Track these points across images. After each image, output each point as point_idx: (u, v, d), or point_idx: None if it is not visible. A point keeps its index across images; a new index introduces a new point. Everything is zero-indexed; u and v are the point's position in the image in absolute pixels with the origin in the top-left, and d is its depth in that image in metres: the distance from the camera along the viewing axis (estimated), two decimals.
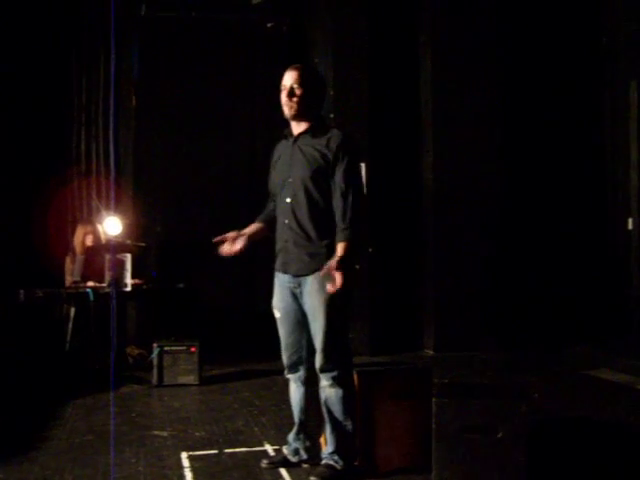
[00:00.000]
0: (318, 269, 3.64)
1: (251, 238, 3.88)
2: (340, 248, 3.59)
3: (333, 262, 3.54)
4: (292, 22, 8.16)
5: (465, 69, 7.72)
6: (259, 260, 7.63)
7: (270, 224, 3.95)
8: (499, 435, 3.35)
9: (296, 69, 3.76)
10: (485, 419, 3.37)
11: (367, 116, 7.51)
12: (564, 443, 4.46)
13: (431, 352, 7.58)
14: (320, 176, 3.69)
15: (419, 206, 7.88)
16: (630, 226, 7.80)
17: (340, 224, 3.64)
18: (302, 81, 3.72)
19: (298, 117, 3.76)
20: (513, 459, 3.34)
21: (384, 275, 7.61)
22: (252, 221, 4.05)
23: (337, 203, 3.66)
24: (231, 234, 3.85)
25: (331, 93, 7.45)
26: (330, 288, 3.55)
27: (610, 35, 8.32)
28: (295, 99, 3.71)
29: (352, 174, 3.69)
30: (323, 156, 3.68)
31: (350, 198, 3.64)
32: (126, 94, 7.70)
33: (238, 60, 8.08)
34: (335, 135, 3.72)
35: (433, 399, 3.46)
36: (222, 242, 3.83)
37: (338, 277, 3.51)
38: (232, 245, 3.83)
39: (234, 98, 8.06)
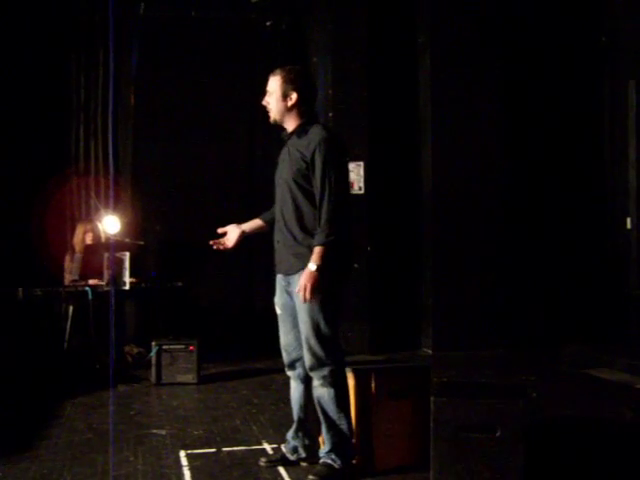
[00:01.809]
0: (302, 268, 3.66)
1: (248, 234, 4.00)
2: (316, 252, 3.58)
3: (303, 276, 3.57)
4: (291, 21, 8.16)
5: (464, 69, 7.72)
6: (257, 259, 7.68)
7: (270, 223, 4.01)
8: (497, 434, 3.35)
9: (271, 75, 3.83)
10: (483, 418, 3.37)
11: (366, 115, 7.52)
12: (563, 442, 4.46)
13: (430, 351, 7.59)
14: (302, 177, 3.70)
15: (418, 205, 7.88)
16: (629, 225, 7.80)
17: (317, 227, 3.64)
18: (275, 87, 3.78)
19: (278, 121, 3.82)
20: (511, 458, 3.34)
21: (383, 274, 7.61)
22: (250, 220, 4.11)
23: (317, 203, 3.66)
24: (230, 227, 3.97)
25: (330, 92, 7.47)
26: (301, 297, 3.58)
27: (609, 35, 8.32)
28: (268, 106, 3.82)
29: (328, 175, 3.62)
30: (302, 156, 3.69)
31: (326, 200, 3.61)
32: (125, 93, 7.70)
33: (237, 59, 8.08)
34: (314, 134, 3.70)
35: (431, 398, 3.46)
36: (223, 234, 3.93)
37: (309, 287, 3.54)
38: (225, 240, 3.94)
39: (233, 97, 8.05)
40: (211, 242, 3.92)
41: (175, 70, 7.87)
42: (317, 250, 3.58)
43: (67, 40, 7.50)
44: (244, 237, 3.99)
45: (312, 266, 3.57)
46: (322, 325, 3.67)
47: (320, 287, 3.57)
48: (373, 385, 3.86)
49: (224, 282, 7.79)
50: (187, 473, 3.86)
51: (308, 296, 3.56)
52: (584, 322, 7.80)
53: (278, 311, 3.93)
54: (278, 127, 3.89)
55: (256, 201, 7.49)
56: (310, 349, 3.68)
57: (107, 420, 4.90)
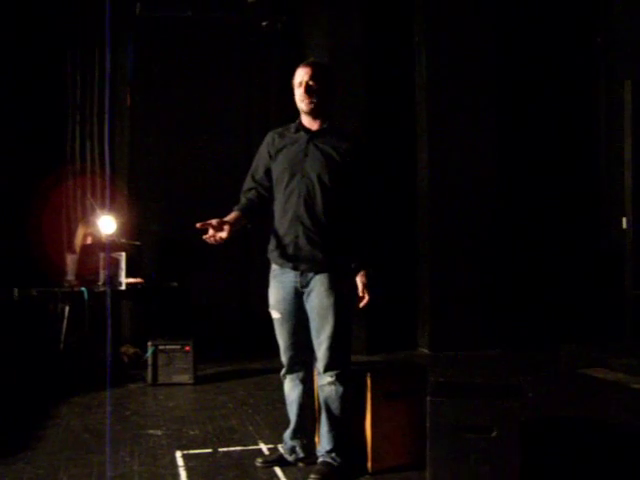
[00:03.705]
0: (330, 267, 3.67)
1: (233, 227, 3.66)
2: (367, 255, 3.75)
3: (364, 279, 3.73)
4: (287, 21, 8.14)
5: (460, 68, 7.73)
6: (253, 258, 7.68)
7: (249, 214, 3.82)
8: (493, 434, 3.35)
9: (312, 65, 3.75)
10: (480, 418, 3.38)
11: (362, 115, 7.51)
12: (559, 442, 4.46)
13: (426, 351, 7.59)
14: (337, 176, 3.69)
15: (415, 205, 7.89)
16: (624, 225, 7.80)
17: (367, 232, 3.77)
18: (319, 76, 3.71)
19: (315, 113, 3.73)
20: (507, 458, 3.34)
21: (380, 274, 7.59)
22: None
23: (362, 209, 3.76)
24: (214, 221, 3.61)
25: None
26: (364, 303, 3.75)
27: (605, 35, 8.34)
28: (314, 94, 3.69)
29: (370, 179, 3.81)
30: (342, 158, 3.70)
31: (373, 204, 3.78)
32: (121, 93, 7.68)
33: (233, 59, 8.06)
34: (354, 140, 3.79)
35: (428, 398, 3.46)
36: (205, 229, 3.61)
37: (368, 289, 3.73)
38: (217, 232, 3.60)
39: (229, 97, 8.04)
40: (205, 237, 3.60)
41: (171, 70, 7.86)
42: (369, 255, 3.75)
43: (63, 40, 7.48)
44: (233, 231, 3.66)
45: (367, 270, 3.73)
46: (346, 325, 3.74)
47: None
48: (370, 385, 3.86)
49: (220, 282, 7.78)
50: (183, 473, 3.85)
51: (369, 299, 3.72)
52: (580, 322, 7.81)
53: (276, 315, 3.80)
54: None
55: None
56: (330, 349, 3.67)
57: (103, 420, 4.90)
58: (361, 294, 3.74)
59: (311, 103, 3.70)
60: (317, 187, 3.67)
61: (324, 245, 3.66)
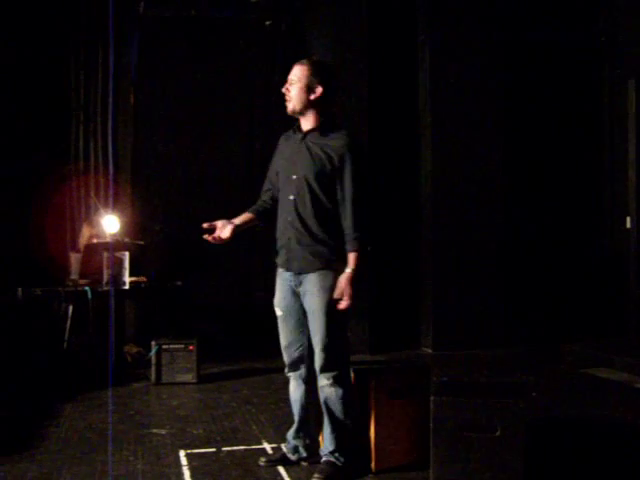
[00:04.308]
0: (320, 268, 3.65)
1: (240, 228, 3.79)
2: (352, 258, 3.61)
3: (344, 280, 3.58)
4: (291, 20, 8.14)
5: (464, 68, 7.71)
6: (257, 258, 7.68)
7: (262, 215, 3.91)
8: (497, 433, 3.35)
9: (298, 64, 3.74)
10: (483, 417, 3.37)
11: (366, 115, 7.50)
12: (562, 442, 4.46)
13: (429, 350, 7.58)
14: (324, 177, 3.65)
15: (418, 204, 7.88)
16: (628, 224, 7.80)
17: (351, 232, 3.62)
18: (300, 76, 3.68)
19: (297, 113, 3.73)
20: (511, 458, 3.34)
21: (383, 273, 7.61)
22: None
23: (346, 209, 3.64)
24: (220, 222, 3.76)
25: None
26: (343, 305, 3.59)
27: (609, 33, 8.33)
28: (289, 94, 3.71)
29: (359, 179, 3.65)
30: (329, 158, 3.65)
31: (359, 205, 3.62)
32: (125, 92, 7.68)
33: (237, 58, 8.07)
34: (342, 138, 3.67)
35: (431, 397, 3.46)
36: (211, 229, 3.74)
37: (349, 291, 3.57)
38: (220, 232, 3.73)
39: (232, 96, 8.04)
40: (205, 236, 3.71)
41: (175, 69, 7.86)
42: (354, 256, 3.60)
43: (67, 39, 7.48)
44: (237, 231, 3.79)
45: (351, 271, 3.59)
46: (338, 326, 3.68)
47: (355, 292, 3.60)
48: (373, 385, 3.86)
49: (224, 281, 7.78)
50: (187, 473, 3.86)
51: (349, 301, 3.57)
52: (584, 321, 7.80)
53: (279, 312, 3.85)
54: (292, 119, 3.82)
55: (256, 199, 7.46)
56: (324, 350, 3.65)
57: (107, 420, 4.90)
58: (336, 296, 3.59)
59: (288, 103, 3.72)
60: (305, 188, 3.67)
61: (314, 246, 3.66)
